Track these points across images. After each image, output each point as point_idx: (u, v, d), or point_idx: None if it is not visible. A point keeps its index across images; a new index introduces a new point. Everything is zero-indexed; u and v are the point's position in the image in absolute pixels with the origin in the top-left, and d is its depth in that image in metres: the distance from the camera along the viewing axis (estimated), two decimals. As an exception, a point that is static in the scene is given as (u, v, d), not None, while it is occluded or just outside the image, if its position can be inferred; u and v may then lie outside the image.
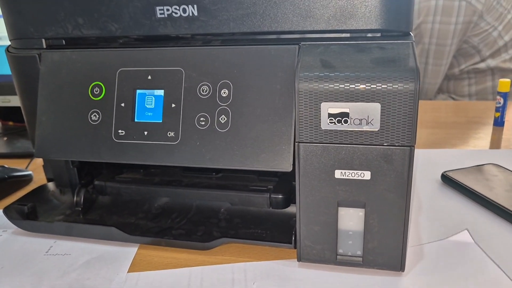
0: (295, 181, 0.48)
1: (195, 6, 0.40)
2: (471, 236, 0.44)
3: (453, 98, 1.43)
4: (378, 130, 0.34)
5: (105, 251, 0.44)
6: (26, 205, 0.48)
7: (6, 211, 0.48)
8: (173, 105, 0.41)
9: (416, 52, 0.35)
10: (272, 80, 0.39)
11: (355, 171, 0.36)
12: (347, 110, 0.34)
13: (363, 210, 0.37)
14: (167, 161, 0.41)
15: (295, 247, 0.41)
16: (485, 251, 0.41)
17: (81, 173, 0.51)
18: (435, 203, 0.52)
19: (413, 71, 0.33)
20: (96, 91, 0.43)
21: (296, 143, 0.36)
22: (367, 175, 0.36)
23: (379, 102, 0.34)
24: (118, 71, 0.43)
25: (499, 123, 0.80)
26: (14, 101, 0.75)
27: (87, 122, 0.43)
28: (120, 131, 0.42)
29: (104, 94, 0.43)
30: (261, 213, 0.47)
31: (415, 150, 0.35)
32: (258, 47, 0.39)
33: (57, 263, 0.43)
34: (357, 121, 0.34)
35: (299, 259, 0.40)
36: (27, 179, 0.62)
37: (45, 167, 0.53)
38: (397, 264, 0.38)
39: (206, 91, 0.40)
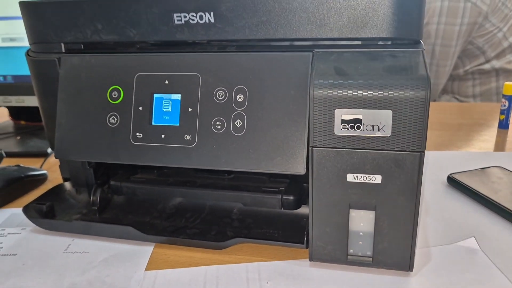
0: (305, 183, 0.50)
1: (211, 13, 0.42)
2: (478, 243, 0.45)
3: (457, 99, 1.44)
4: (389, 136, 0.36)
5: (122, 250, 0.46)
6: (44, 204, 0.50)
7: (26, 210, 0.50)
8: (190, 109, 0.42)
9: (426, 60, 0.37)
10: (287, 86, 0.40)
11: (367, 175, 0.37)
12: (359, 117, 0.36)
13: (373, 212, 0.39)
14: (184, 164, 0.42)
15: (306, 247, 0.43)
16: (490, 256, 0.43)
17: (97, 173, 0.53)
18: (441, 205, 0.53)
19: (424, 79, 0.34)
20: (114, 95, 0.44)
21: (310, 148, 0.38)
22: (378, 179, 0.37)
23: (391, 109, 0.35)
24: (136, 76, 0.44)
25: (504, 125, 0.81)
26: (28, 101, 0.76)
27: (105, 125, 0.45)
28: (138, 133, 0.44)
29: (122, 97, 0.44)
30: (272, 214, 0.49)
31: (423, 153, 0.37)
32: (273, 54, 0.41)
33: (76, 261, 0.45)
34: (369, 127, 0.36)
35: (310, 259, 0.42)
36: (42, 178, 0.63)
37: (61, 167, 0.55)
38: (405, 264, 0.39)
39: (222, 96, 0.41)
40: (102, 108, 0.45)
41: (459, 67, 1.40)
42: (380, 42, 0.41)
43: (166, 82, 0.43)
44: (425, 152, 0.36)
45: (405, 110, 0.35)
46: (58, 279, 0.42)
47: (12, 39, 0.74)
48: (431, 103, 1.12)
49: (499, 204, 0.50)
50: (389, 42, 0.41)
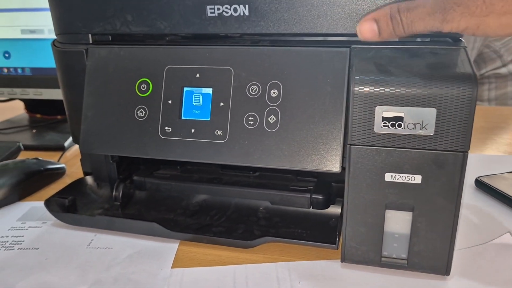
0: (334, 182, 0.49)
1: (246, 6, 0.41)
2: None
3: (472, 102, 1.42)
4: (432, 135, 0.34)
5: (147, 246, 0.45)
6: (67, 198, 0.49)
7: (48, 203, 0.49)
8: (222, 104, 0.41)
9: (471, 58, 0.36)
10: (323, 82, 0.39)
11: (406, 175, 0.36)
12: (401, 114, 0.35)
13: (410, 213, 0.37)
14: (214, 159, 0.41)
15: (337, 248, 0.42)
16: (527, 257, 0.42)
17: (120, 168, 0.52)
18: (471, 208, 0.52)
19: (470, 77, 0.33)
20: (143, 88, 0.44)
21: (347, 145, 0.37)
22: (417, 179, 0.36)
23: (435, 107, 0.34)
24: (166, 68, 0.43)
25: (526, 129, 0.80)
26: (46, 94, 0.75)
27: (133, 118, 0.44)
28: (166, 128, 0.43)
29: (151, 90, 0.43)
30: (299, 213, 0.48)
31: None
32: (309, 49, 0.40)
33: (100, 256, 0.44)
34: (411, 125, 0.35)
35: (342, 260, 0.41)
36: (60, 172, 0.62)
37: (83, 160, 0.54)
38: (442, 268, 0.38)
39: (255, 90, 0.40)
40: (130, 101, 0.44)
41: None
42: (418, 39, 0.40)
43: (197, 75, 0.42)
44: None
45: (450, 109, 0.34)
46: (82, 275, 0.41)
47: (32, 31, 0.73)
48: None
49: (532, 208, 0.48)
50: (428, 39, 0.40)
